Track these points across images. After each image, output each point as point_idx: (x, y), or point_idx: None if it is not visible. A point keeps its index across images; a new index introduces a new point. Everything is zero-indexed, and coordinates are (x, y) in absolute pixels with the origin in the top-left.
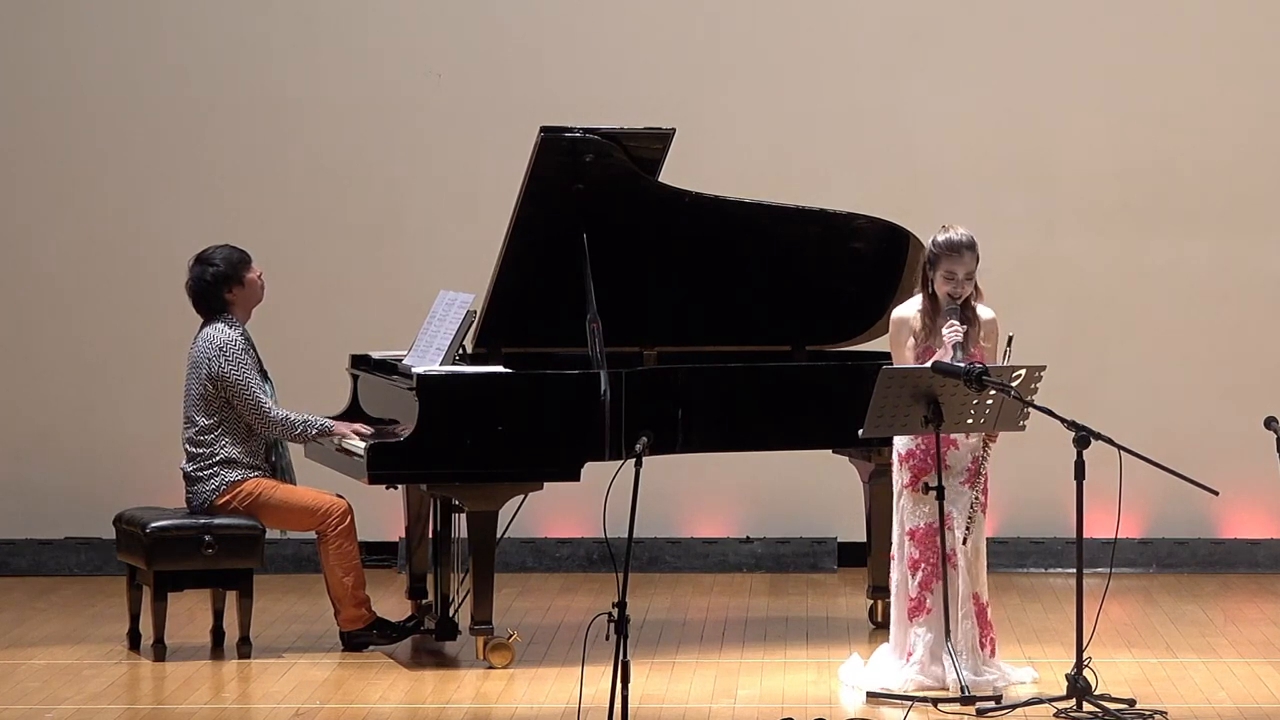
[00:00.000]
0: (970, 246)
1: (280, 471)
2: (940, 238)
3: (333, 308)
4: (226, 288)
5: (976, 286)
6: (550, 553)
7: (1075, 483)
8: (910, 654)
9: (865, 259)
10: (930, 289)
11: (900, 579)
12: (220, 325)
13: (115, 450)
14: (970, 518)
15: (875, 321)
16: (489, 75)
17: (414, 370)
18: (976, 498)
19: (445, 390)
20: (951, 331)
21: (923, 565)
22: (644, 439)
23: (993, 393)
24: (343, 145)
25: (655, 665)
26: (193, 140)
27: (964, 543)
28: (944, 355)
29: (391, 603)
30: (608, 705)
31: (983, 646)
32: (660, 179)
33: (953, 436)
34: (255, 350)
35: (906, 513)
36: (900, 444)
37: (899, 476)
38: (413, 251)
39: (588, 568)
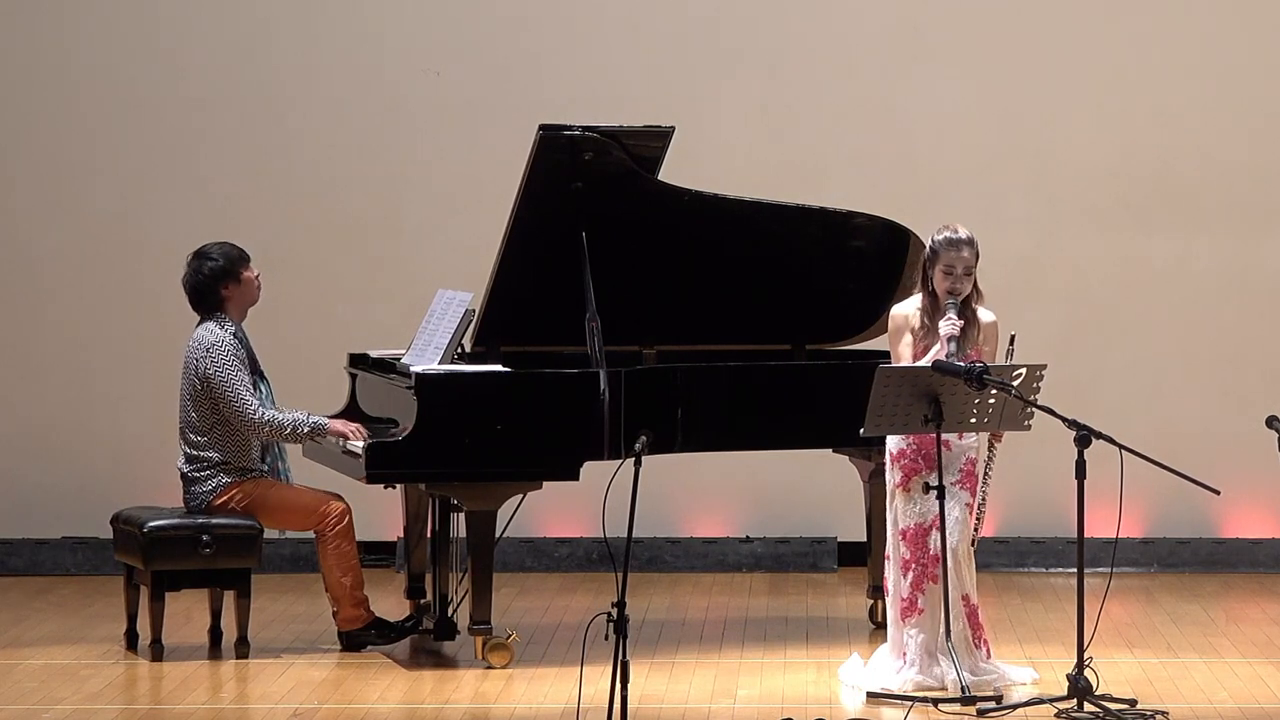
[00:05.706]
0: (970, 242)
1: (277, 473)
2: (939, 235)
3: (331, 306)
4: (223, 283)
5: (977, 288)
6: (549, 552)
7: (1076, 482)
8: (904, 654)
9: (865, 257)
10: (930, 287)
11: (894, 579)
12: (211, 325)
13: (113, 450)
14: (978, 519)
15: (875, 320)
16: (488, 74)
17: (412, 369)
18: (982, 499)
19: (444, 389)
20: (948, 324)
21: (914, 565)
22: (643, 438)
23: (994, 392)
24: (341, 143)
25: (655, 665)
26: (191, 139)
27: (973, 544)
28: (940, 351)
29: (390, 602)
30: (607, 705)
31: (977, 647)
32: (660, 177)
33: (946, 437)
34: (250, 349)
35: (899, 513)
36: (891, 444)
37: (890, 476)
38: (411, 250)
39: (587, 567)
